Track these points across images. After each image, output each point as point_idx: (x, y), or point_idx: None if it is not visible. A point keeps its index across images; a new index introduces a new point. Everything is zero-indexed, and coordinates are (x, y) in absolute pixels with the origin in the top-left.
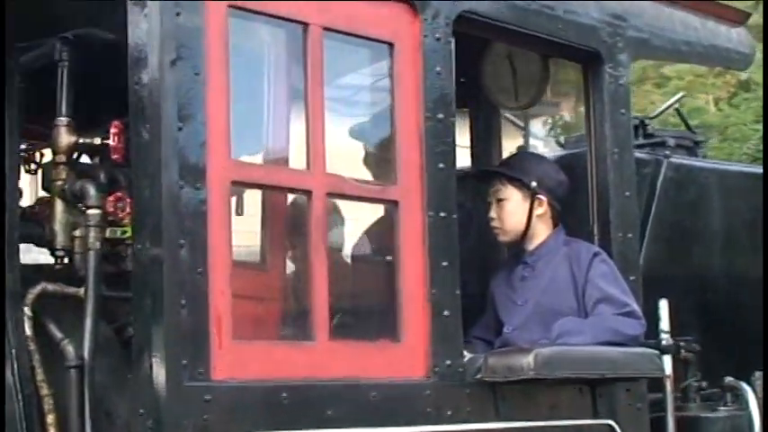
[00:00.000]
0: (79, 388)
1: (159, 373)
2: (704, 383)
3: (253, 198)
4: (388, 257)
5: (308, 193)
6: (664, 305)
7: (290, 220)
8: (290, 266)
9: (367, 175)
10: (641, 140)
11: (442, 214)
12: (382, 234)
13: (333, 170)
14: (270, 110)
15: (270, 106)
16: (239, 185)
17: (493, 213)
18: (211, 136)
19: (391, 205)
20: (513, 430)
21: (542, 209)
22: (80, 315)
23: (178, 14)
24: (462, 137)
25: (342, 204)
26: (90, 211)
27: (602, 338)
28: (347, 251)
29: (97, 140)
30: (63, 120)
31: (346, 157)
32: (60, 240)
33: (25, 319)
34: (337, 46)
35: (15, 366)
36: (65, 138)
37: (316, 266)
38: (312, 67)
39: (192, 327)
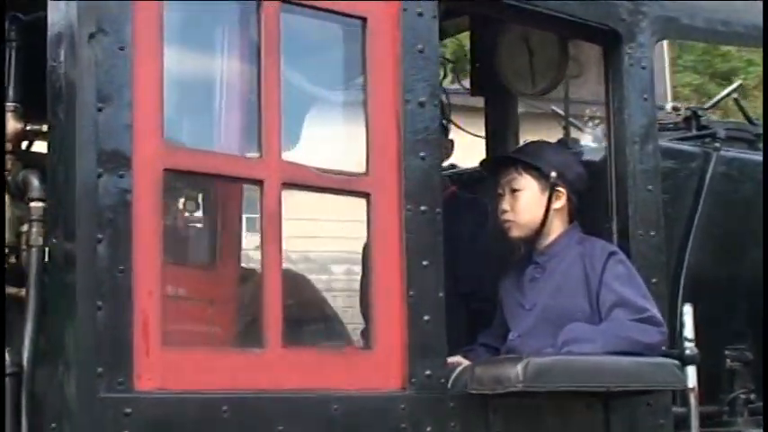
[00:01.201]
0: (15, 398)
1: (71, 382)
2: (752, 396)
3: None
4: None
5: (259, 183)
6: (688, 310)
7: (238, 213)
8: (240, 265)
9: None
10: (694, 132)
11: (423, 208)
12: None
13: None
14: (220, 92)
15: (220, 88)
16: (174, 173)
17: (506, 205)
18: (139, 118)
19: (362, 198)
20: None
21: (561, 202)
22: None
23: None
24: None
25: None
26: (33, 204)
27: (615, 347)
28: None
29: (45, 127)
30: (9, 105)
31: (312, 146)
32: (6, 236)
33: None
34: (299, 20)
35: None
36: (11, 124)
37: (268, 265)
38: (267, 44)
39: (111, 331)
